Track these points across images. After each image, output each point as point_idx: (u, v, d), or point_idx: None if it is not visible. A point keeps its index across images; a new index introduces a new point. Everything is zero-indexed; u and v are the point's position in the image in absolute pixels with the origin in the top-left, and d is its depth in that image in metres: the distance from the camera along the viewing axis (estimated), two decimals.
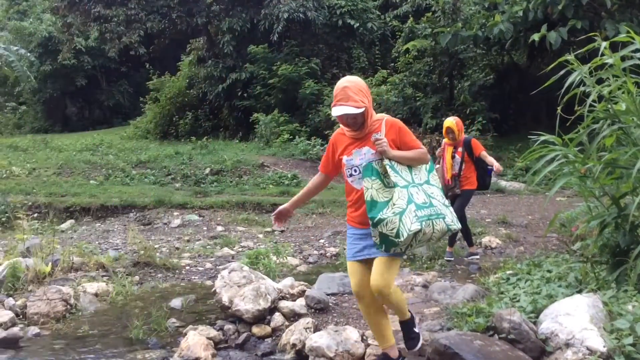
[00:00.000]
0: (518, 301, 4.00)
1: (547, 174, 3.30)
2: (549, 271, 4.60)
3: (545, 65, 13.63)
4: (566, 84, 2.97)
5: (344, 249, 6.88)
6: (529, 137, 4.27)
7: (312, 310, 4.53)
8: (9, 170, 11.74)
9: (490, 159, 6.18)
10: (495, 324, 3.57)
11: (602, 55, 2.93)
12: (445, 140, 6.35)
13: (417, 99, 14.16)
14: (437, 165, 5.99)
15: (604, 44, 2.83)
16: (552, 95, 8.64)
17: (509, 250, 6.62)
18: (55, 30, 24.41)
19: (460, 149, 6.20)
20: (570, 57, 3.03)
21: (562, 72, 3.27)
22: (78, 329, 4.54)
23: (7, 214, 8.37)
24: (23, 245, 6.05)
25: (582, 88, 3.39)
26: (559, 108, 3.12)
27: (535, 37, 10.24)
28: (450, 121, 6.20)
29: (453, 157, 6.22)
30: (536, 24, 11.44)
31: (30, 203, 9.44)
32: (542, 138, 3.17)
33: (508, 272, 4.97)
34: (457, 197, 6.25)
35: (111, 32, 18.88)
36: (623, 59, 2.76)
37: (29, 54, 21.98)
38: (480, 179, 6.27)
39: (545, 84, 4.05)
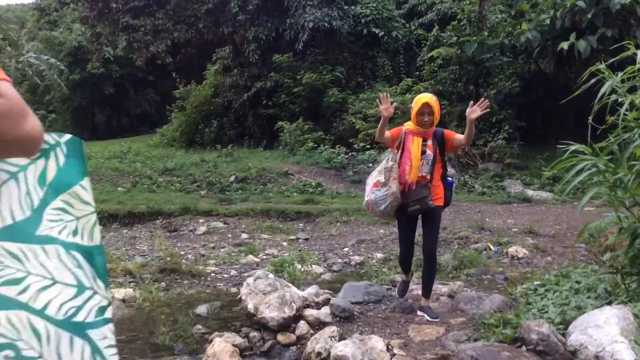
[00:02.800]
0: (546, 312, 3.95)
1: (575, 184, 3.25)
2: (578, 282, 4.53)
3: (573, 74, 13.54)
4: (600, 93, 2.94)
5: (369, 257, 6.88)
6: (557, 146, 4.23)
7: (337, 318, 4.53)
8: None
9: (466, 132, 4.47)
10: (523, 335, 3.53)
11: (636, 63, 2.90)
12: (408, 125, 4.54)
13: (442, 107, 14.06)
14: (391, 163, 4.46)
15: None
16: (580, 104, 8.53)
17: (537, 261, 6.53)
18: (84, 39, 24.89)
19: (431, 142, 4.48)
20: (602, 66, 2.99)
21: (593, 81, 3.23)
22: None
23: None
24: None
25: (613, 97, 3.35)
26: (590, 117, 3.08)
27: (564, 45, 10.13)
28: (428, 96, 4.47)
29: (423, 152, 4.45)
30: (564, 32, 11.32)
31: None
32: (573, 148, 3.13)
33: (536, 282, 4.91)
34: (427, 217, 4.51)
35: (139, 42, 19.18)
36: None
37: (58, 63, 22.42)
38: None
39: (575, 93, 4.00)
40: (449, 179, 4.64)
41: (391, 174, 4.43)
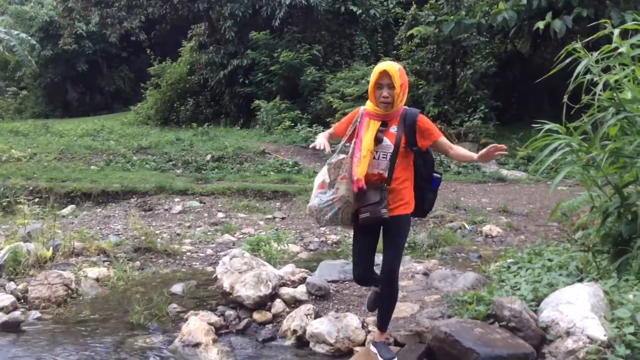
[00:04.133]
0: (519, 289, 4.01)
1: (549, 164, 3.28)
2: (550, 260, 4.61)
3: (549, 54, 13.62)
4: (575, 73, 2.95)
5: (345, 236, 6.90)
6: (532, 125, 4.26)
7: (313, 297, 4.55)
8: (9, 155, 11.72)
9: (461, 152, 3.55)
10: (496, 312, 3.58)
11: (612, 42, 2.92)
12: (367, 105, 3.51)
13: (420, 86, 14.09)
14: (341, 156, 3.43)
15: (616, 31, 2.81)
16: (554, 84, 8.61)
17: (510, 239, 6.62)
18: (56, 14, 24.23)
19: (394, 128, 3.41)
20: (577, 45, 3.00)
21: (568, 60, 3.24)
22: (79, 314, 4.56)
23: (8, 199, 8.37)
24: (24, 230, 6.06)
25: (588, 76, 3.36)
26: (565, 97, 3.09)
27: (540, 25, 10.05)
28: (389, 64, 3.39)
29: (379, 140, 3.39)
30: (540, 12, 11.33)
31: (31, 188, 9.44)
32: (547, 127, 3.15)
33: (509, 260, 4.98)
34: (387, 228, 3.47)
35: (112, 17, 18.78)
36: (632, 47, 2.74)
37: (29, 39, 21.88)
38: (419, 197, 3.55)
39: (550, 72, 4.01)
40: (436, 175, 3.60)
41: (339, 172, 3.39)
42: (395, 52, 16.44)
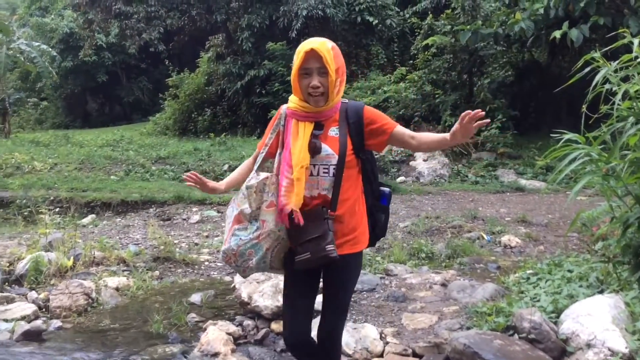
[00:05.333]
0: (538, 301, 3.98)
1: (568, 173, 3.27)
2: (570, 271, 4.56)
3: (567, 63, 13.53)
4: (594, 82, 2.94)
5: None
6: (550, 135, 4.24)
7: None
8: (31, 165, 11.91)
9: (428, 138, 2.63)
10: (516, 323, 3.56)
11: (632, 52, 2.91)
12: (291, 103, 2.61)
13: (436, 96, 14.07)
14: (263, 175, 2.57)
15: (636, 40, 2.80)
16: (572, 93, 8.55)
17: (529, 250, 6.56)
18: (76, 26, 24.66)
19: (334, 130, 2.55)
20: (596, 54, 2.99)
21: (586, 70, 3.23)
22: (99, 323, 4.60)
23: (29, 209, 8.49)
24: (45, 240, 6.14)
25: (607, 86, 3.35)
26: (584, 106, 3.08)
27: (557, 34, 10.10)
28: (320, 41, 2.48)
29: (316, 149, 2.50)
30: (557, 22, 11.30)
31: (52, 198, 9.58)
32: (566, 137, 3.14)
33: (528, 271, 4.94)
34: (331, 272, 2.61)
35: (131, 29, 19.05)
36: None
37: (50, 50, 22.25)
38: (370, 219, 2.71)
39: (569, 82, 4.00)
40: (384, 190, 2.75)
41: (263, 197, 2.51)
42: (411, 61, 16.45)
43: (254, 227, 2.52)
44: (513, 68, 15.20)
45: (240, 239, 2.54)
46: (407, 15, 18.28)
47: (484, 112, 2.45)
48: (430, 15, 15.04)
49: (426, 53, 14.79)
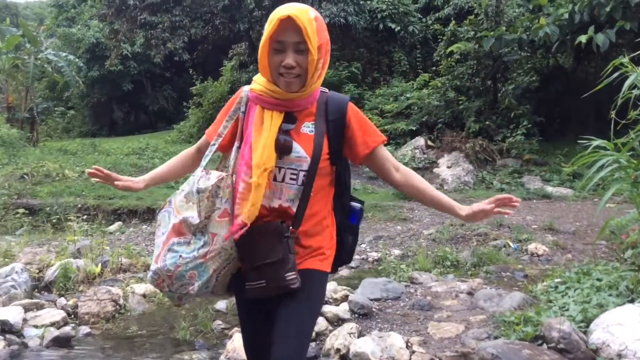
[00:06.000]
0: (567, 310, 3.92)
1: (596, 180, 3.23)
2: (599, 280, 4.49)
3: (592, 68, 13.36)
4: (624, 88, 2.91)
5: (387, 254, 6.87)
6: (577, 141, 4.20)
7: (356, 315, 4.54)
8: (61, 173, 12.11)
9: (426, 189, 2.11)
10: (544, 333, 3.51)
11: None
12: (256, 83, 2.02)
13: (460, 102, 14.00)
14: (217, 175, 1.98)
15: None
16: (599, 99, 8.44)
17: (557, 258, 6.48)
18: (102, 36, 25.09)
19: (309, 126, 1.99)
20: (625, 59, 2.96)
21: (614, 75, 3.20)
22: (127, 329, 4.66)
23: (58, 216, 8.64)
24: (74, 247, 6.25)
25: (635, 91, 3.31)
26: (612, 112, 3.05)
27: (582, 39, 9.99)
28: (301, 8, 1.89)
29: (284, 147, 1.93)
30: (582, 26, 11.17)
31: (80, 205, 9.73)
32: (595, 143, 3.10)
33: (556, 280, 4.87)
34: (288, 300, 1.94)
35: (156, 39, 19.33)
36: None
37: (77, 60, 22.66)
38: (339, 236, 2.17)
39: (596, 88, 3.96)
40: (354, 206, 2.22)
41: (216, 204, 1.96)
42: (434, 67, 16.41)
43: (199, 242, 1.93)
44: (538, 74, 15.04)
45: (181, 256, 1.93)
46: (430, 22, 18.24)
47: (519, 202, 2.04)
48: (453, 22, 14.99)
49: (449, 59, 14.74)
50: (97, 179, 2.32)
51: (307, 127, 1.98)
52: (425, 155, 12.71)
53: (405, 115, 14.63)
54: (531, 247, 6.75)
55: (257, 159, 1.89)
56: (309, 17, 1.87)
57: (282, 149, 1.92)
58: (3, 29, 20.75)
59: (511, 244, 6.96)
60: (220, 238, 1.93)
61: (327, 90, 2.08)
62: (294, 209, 1.96)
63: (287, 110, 1.97)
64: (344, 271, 6.45)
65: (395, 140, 13.82)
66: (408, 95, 15.11)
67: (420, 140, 13.17)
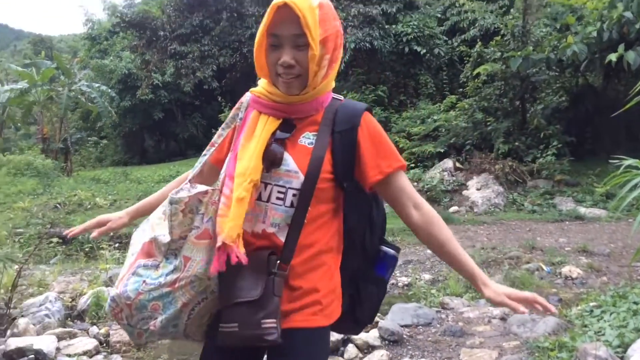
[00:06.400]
0: (603, 335, 3.82)
1: (630, 200, 3.16)
2: (636, 303, 4.37)
3: (623, 86, 13.15)
4: None
5: (417, 278, 6.80)
6: (609, 161, 4.13)
7: (386, 342, 4.48)
8: (93, 202, 12.36)
9: (448, 241, 1.65)
10: (580, 359, 3.42)
11: None
12: (260, 87, 1.70)
13: (488, 123, 13.91)
14: (198, 189, 1.59)
15: None
16: (631, 117, 8.30)
17: (591, 281, 6.33)
18: (134, 67, 25.73)
19: (308, 137, 1.61)
20: None
21: None
22: (158, 357, 4.68)
23: (90, 244, 8.78)
24: (106, 275, 6.34)
25: None
26: None
27: (612, 57, 9.88)
28: None
29: (274, 159, 1.57)
30: (611, 44, 11.05)
31: (112, 234, 9.88)
32: (627, 162, 3.05)
33: (591, 304, 4.75)
34: (275, 355, 1.57)
35: (186, 68, 19.79)
36: None
37: (109, 91, 23.27)
38: (351, 291, 1.71)
39: (627, 106, 3.90)
40: (387, 250, 1.82)
41: (193, 222, 1.58)
42: (461, 89, 16.37)
43: (169, 267, 1.55)
44: (567, 93, 14.88)
45: (144, 282, 1.56)
46: (456, 44, 18.25)
47: (555, 311, 1.67)
48: (479, 43, 14.97)
49: (476, 80, 14.69)
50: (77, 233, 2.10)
51: (307, 138, 1.61)
52: (454, 178, 12.61)
53: (432, 137, 14.59)
54: (565, 270, 6.61)
55: (240, 168, 1.55)
56: (309, 4, 1.51)
57: (272, 160, 1.56)
58: (38, 62, 21.53)
59: (544, 267, 6.83)
60: (195, 264, 1.54)
61: (341, 97, 1.72)
62: (281, 238, 1.56)
63: (285, 116, 1.62)
64: None
65: (423, 162, 13.76)
66: (435, 117, 15.08)
67: (448, 163, 13.08)
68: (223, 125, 1.74)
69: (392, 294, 6.53)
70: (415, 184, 12.70)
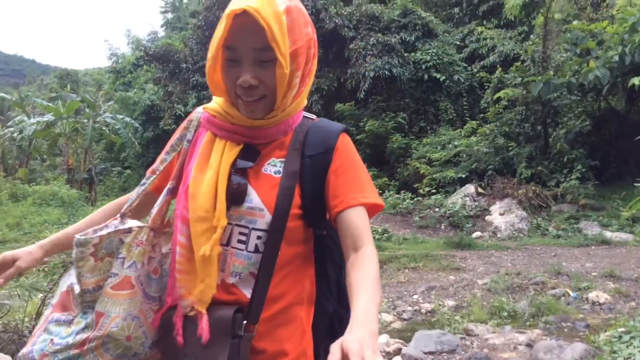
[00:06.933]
0: None
1: None
2: None
3: None
4: None
5: (440, 305, 6.70)
6: (635, 184, 4.07)
7: None
8: None
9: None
10: None
11: None
12: (212, 105, 1.39)
13: (510, 148, 13.83)
14: (127, 224, 1.31)
15: None
16: None
17: (620, 306, 6.18)
18: (157, 98, 26.22)
19: (275, 164, 1.30)
20: None
21: None
22: None
23: None
24: None
25: None
26: None
27: (635, 81, 9.83)
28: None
29: (237, 195, 1.25)
30: (634, 68, 10.99)
31: None
32: None
33: (620, 329, 4.64)
34: None
35: (208, 99, 20.01)
36: None
37: (133, 122, 23.70)
38: (329, 339, 1.29)
39: None
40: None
41: (111, 268, 1.27)
42: (481, 115, 16.35)
43: (81, 324, 1.26)
44: (590, 117, 14.75)
45: (52, 341, 1.25)
46: (475, 70, 18.29)
47: None
48: (499, 69, 14.98)
49: (497, 106, 14.67)
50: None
51: (273, 166, 1.29)
52: (477, 203, 12.51)
53: (453, 163, 14.54)
54: (592, 295, 6.47)
55: (198, 210, 1.24)
56: (275, 10, 1.19)
57: (235, 195, 1.25)
58: (64, 95, 22.06)
59: (571, 292, 6.70)
60: (109, 320, 1.23)
61: (313, 116, 1.40)
62: (244, 291, 1.24)
63: (247, 141, 1.31)
64: (396, 323, 6.32)
65: (445, 188, 13.70)
66: (456, 143, 15.05)
67: (470, 188, 13.00)
68: (167, 149, 1.41)
69: (415, 321, 6.44)
70: (437, 209, 12.63)
